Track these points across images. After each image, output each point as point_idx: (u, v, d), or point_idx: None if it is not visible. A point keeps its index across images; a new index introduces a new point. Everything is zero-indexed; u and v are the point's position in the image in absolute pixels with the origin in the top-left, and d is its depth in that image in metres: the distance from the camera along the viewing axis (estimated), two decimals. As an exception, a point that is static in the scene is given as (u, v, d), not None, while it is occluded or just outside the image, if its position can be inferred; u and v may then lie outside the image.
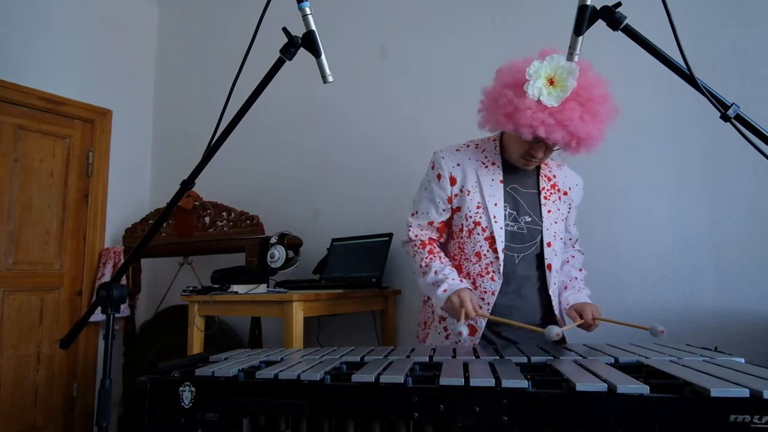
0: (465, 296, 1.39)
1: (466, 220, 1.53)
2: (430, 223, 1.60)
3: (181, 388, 1.05)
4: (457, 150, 1.59)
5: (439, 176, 1.56)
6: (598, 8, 0.96)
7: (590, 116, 1.33)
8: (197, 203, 3.02)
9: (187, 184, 1.18)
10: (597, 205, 2.15)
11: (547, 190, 1.58)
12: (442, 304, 1.44)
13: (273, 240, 2.56)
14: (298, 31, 1.12)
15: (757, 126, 0.90)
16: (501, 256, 1.49)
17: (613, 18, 0.95)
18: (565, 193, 1.61)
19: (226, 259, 2.92)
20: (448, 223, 1.61)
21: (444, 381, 0.91)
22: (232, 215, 2.91)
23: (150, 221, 3.23)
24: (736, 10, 1.98)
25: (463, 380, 0.90)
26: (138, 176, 3.60)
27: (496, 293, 1.50)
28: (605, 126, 1.38)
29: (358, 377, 0.97)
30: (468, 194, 1.53)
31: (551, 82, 1.32)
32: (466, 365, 1.03)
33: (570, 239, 1.72)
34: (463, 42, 2.53)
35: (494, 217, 1.50)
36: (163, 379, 1.10)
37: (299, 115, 3.02)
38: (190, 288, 2.36)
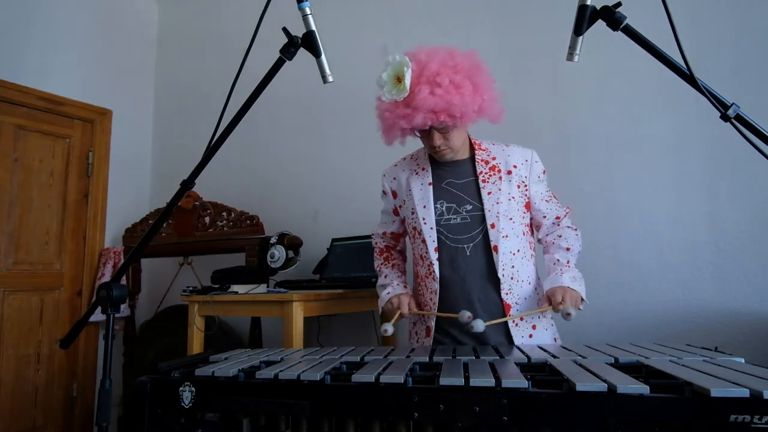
0: (403, 299, 1.59)
1: (408, 227, 1.67)
2: (384, 233, 1.80)
3: (181, 388, 1.05)
4: (395, 165, 1.73)
5: (384, 192, 1.74)
6: (598, 8, 0.96)
7: (442, 89, 1.37)
8: (197, 203, 3.02)
9: (187, 184, 1.18)
10: (597, 205, 2.15)
11: (485, 173, 1.58)
12: (383, 304, 1.65)
13: (273, 240, 2.56)
14: (298, 31, 1.12)
15: (757, 126, 0.90)
16: (434, 255, 1.54)
17: (613, 18, 0.95)
18: (509, 172, 1.57)
19: (226, 259, 2.91)
20: (403, 233, 1.78)
21: (444, 381, 0.91)
22: (232, 215, 2.91)
23: (150, 221, 3.23)
24: (736, 10, 1.98)
25: (463, 380, 0.90)
26: (138, 176, 3.59)
27: (438, 292, 1.54)
28: (471, 89, 1.40)
29: (358, 377, 0.97)
30: (405, 203, 1.66)
31: (399, 80, 1.41)
32: (466, 365, 1.03)
33: (551, 217, 1.61)
34: (463, 42, 2.52)
35: (423, 219, 1.57)
36: (163, 379, 1.10)
37: (299, 115, 3.02)
38: (190, 288, 2.36)
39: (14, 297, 2.90)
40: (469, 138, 1.63)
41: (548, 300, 1.46)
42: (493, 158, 1.60)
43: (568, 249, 1.58)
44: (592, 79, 2.20)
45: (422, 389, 0.92)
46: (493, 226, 1.52)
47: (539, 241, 1.66)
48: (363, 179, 2.73)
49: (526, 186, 1.58)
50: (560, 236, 1.60)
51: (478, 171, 1.58)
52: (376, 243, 1.83)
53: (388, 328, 1.47)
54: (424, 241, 1.56)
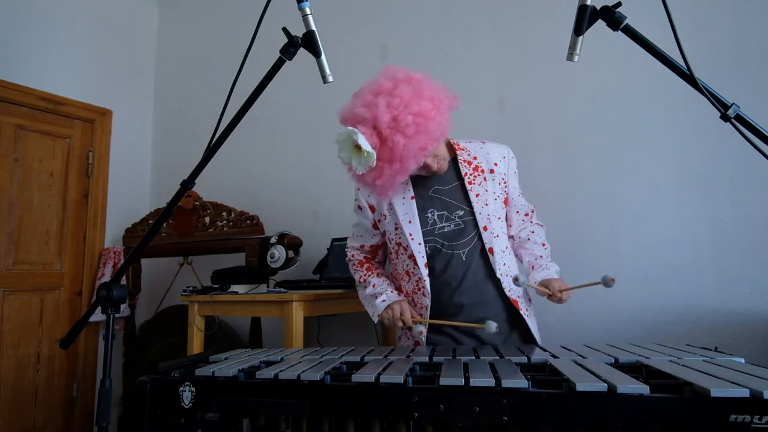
0: (405, 306, 1.52)
1: (390, 242, 1.60)
2: (362, 246, 1.72)
3: (181, 388, 1.05)
4: None
5: (359, 207, 1.65)
6: (598, 8, 0.97)
7: (411, 127, 1.25)
8: (197, 203, 3.02)
9: (187, 184, 1.18)
10: (597, 205, 2.15)
11: (470, 175, 1.55)
12: (380, 312, 1.54)
13: (273, 240, 2.56)
14: (298, 31, 1.12)
15: (757, 126, 0.90)
16: (424, 272, 1.50)
17: (613, 18, 0.95)
18: (492, 171, 1.57)
19: (226, 259, 2.91)
20: (382, 245, 1.70)
21: (444, 381, 0.91)
22: (232, 215, 2.91)
23: (150, 221, 3.23)
24: (736, 10, 1.98)
25: (463, 380, 0.90)
26: (138, 176, 3.59)
27: (429, 308, 1.52)
28: (431, 105, 1.29)
29: (358, 377, 0.97)
30: (386, 218, 1.58)
31: (358, 148, 1.27)
32: (466, 365, 1.04)
33: (522, 212, 1.67)
34: (463, 42, 2.52)
35: (410, 234, 1.51)
36: (163, 379, 1.10)
37: (299, 115, 3.02)
38: (190, 288, 2.36)
39: (14, 297, 2.90)
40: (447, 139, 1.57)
41: (549, 286, 1.48)
42: (474, 157, 1.58)
43: (544, 245, 1.65)
44: (592, 79, 2.20)
45: (422, 389, 0.92)
46: (485, 228, 1.52)
47: (511, 237, 1.68)
48: (363, 179, 2.73)
49: (505, 183, 1.60)
50: (533, 232, 1.67)
51: (463, 173, 1.55)
52: (352, 255, 1.74)
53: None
54: (411, 256, 1.52)
